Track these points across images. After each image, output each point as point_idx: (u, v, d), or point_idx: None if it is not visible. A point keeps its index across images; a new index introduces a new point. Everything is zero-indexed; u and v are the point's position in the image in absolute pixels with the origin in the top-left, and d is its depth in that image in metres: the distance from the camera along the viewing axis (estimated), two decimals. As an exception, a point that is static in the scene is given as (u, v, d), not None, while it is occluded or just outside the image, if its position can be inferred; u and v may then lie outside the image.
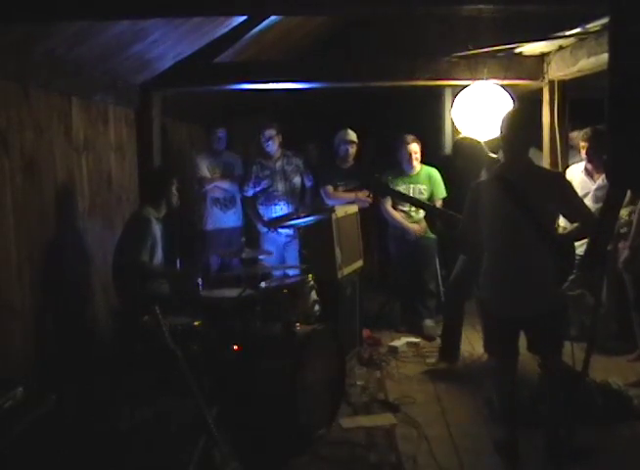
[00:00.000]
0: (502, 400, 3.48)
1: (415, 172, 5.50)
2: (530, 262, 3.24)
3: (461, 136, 5.18)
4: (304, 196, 5.82)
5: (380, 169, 5.70)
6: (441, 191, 5.54)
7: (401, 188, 5.39)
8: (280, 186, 5.65)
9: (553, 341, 3.34)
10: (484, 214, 3.34)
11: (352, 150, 5.73)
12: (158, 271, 4.12)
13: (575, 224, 3.41)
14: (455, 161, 5.12)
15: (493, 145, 5.12)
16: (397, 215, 5.57)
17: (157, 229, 4.11)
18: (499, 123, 3.38)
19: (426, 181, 5.52)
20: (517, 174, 3.28)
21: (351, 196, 5.64)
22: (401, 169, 5.55)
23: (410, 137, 5.50)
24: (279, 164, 5.67)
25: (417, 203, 4.99)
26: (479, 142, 4.78)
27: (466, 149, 4.84)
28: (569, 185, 3.50)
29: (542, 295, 3.25)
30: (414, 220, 5.57)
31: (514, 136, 3.31)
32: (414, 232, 5.51)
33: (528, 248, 3.23)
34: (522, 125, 3.34)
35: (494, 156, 4.65)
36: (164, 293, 4.10)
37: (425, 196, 5.48)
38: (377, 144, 7.30)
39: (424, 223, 5.59)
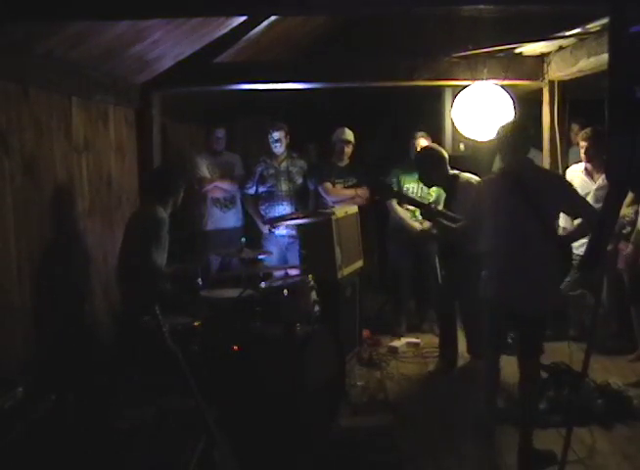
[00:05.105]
0: (486, 392, 3.62)
1: None
2: (533, 260, 3.26)
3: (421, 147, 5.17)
4: (307, 198, 5.81)
5: (383, 171, 5.69)
6: None
7: (410, 182, 5.41)
8: (284, 187, 5.64)
9: (533, 344, 3.35)
10: (489, 211, 3.39)
11: (348, 149, 5.68)
12: (167, 273, 4.02)
13: (577, 224, 3.44)
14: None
15: (492, 146, 5.11)
16: (402, 212, 5.51)
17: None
18: (495, 131, 3.50)
19: None
20: (518, 174, 3.33)
21: (351, 193, 5.63)
22: (410, 164, 5.40)
23: (419, 133, 5.51)
24: (284, 164, 5.65)
25: (420, 205, 4.93)
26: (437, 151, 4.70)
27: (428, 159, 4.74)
28: (568, 184, 3.58)
29: (542, 294, 3.27)
30: (419, 220, 5.50)
31: (510, 139, 3.40)
32: (414, 230, 5.44)
33: (532, 244, 3.26)
34: (518, 129, 3.46)
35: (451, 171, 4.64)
36: (165, 293, 4.09)
37: (432, 192, 5.40)
38: (379, 146, 7.29)
39: (427, 223, 5.54)
